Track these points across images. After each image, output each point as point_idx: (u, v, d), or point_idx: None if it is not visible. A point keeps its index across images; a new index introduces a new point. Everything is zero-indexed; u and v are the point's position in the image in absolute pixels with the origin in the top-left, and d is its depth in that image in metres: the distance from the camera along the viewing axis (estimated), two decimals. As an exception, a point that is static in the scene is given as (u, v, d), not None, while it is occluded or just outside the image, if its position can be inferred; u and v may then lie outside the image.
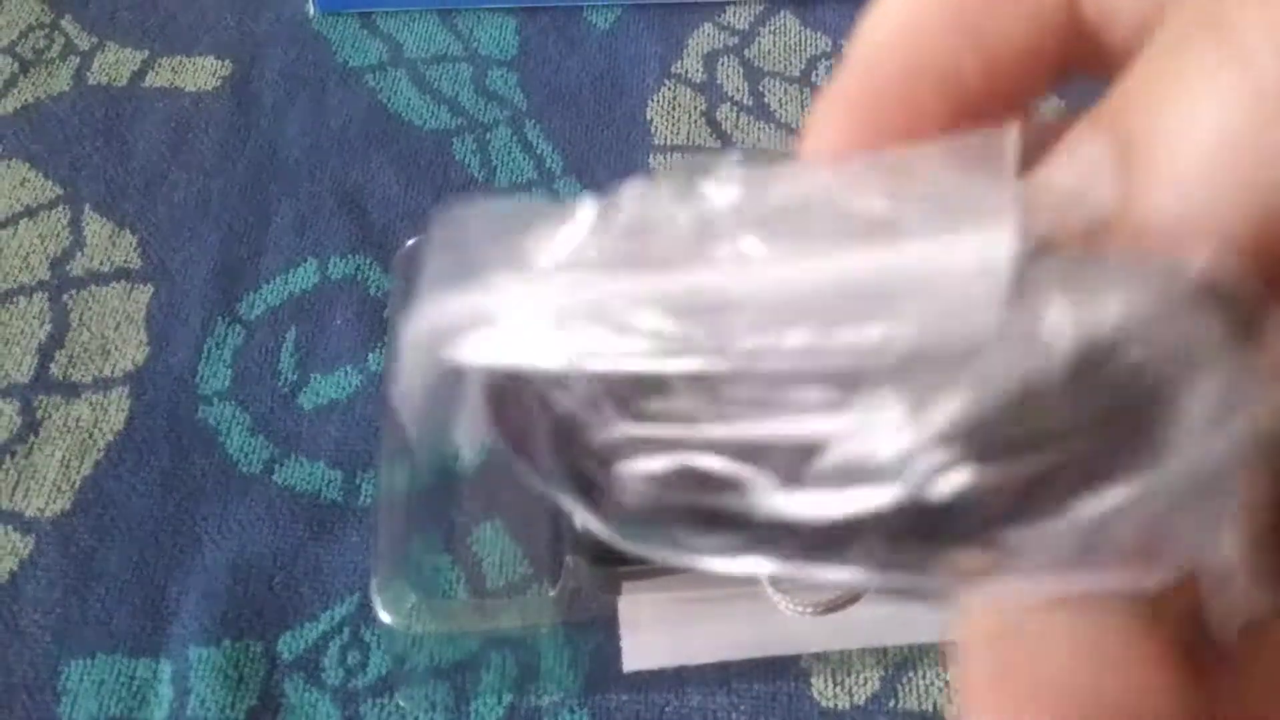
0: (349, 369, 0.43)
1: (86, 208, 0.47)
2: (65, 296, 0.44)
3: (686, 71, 0.51)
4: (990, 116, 0.14)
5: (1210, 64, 0.11)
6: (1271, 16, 0.10)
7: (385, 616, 0.34)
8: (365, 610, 0.37)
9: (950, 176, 0.12)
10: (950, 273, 0.11)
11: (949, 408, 0.10)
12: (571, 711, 0.36)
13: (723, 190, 0.13)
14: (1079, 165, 0.12)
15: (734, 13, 0.52)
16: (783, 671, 0.37)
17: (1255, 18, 0.10)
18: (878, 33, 0.15)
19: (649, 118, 0.49)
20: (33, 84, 0.50)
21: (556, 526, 0.39)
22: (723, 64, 0.51)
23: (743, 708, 0.36)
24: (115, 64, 0.51)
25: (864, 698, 0.36)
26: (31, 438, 0.41)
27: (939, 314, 0.11)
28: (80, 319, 0.44)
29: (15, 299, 0.44)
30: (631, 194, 0.13)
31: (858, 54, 0.15)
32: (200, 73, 0.51)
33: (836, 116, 0.15)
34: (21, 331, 0.44)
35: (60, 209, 0.47)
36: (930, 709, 0.36)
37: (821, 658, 0.37)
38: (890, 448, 0.11)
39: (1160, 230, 0.11)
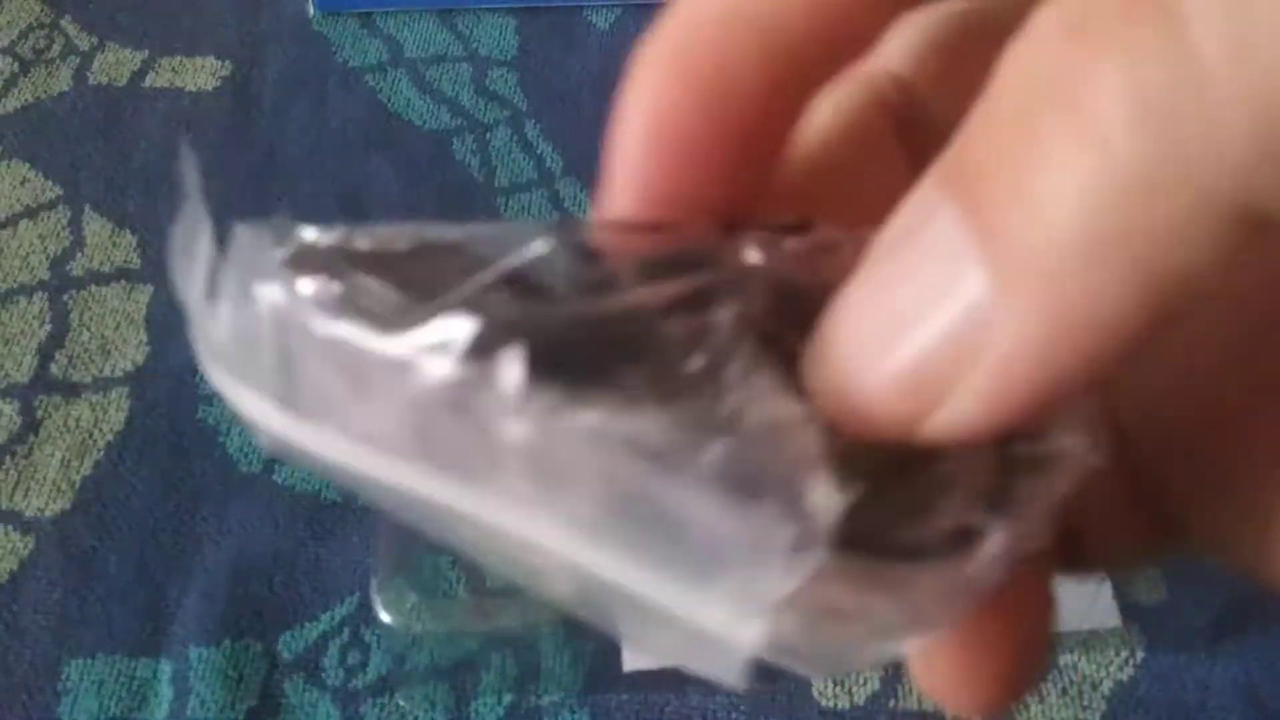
0: (349, 369, 0.42)
1: (86, 207, 0.47)
2: (65, 296, 0.44)
3: (686, 71, 0.50)
4: (818, 66, 0.13)
5: (1067, 145, 0.10)
6: (1124, 82, 0.09)
7: (385, 616, 0.34)
8: (365, 610, 0.37)
9: (724, 520, 0.10)
10: (702, 635, 0.11)
11: None
12: (572, 711, 0.36)
13: (514, 424, 0.10)
14: (939, 249, 0.10)
15: (734, 13, 0.52)
16: (783, 671, 0.37)
17: (1108, 85, 0.09)
18: None
19: (649, 118, 0.49)
20: (33, 84, 0.50)
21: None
22: (723, 64, 0.51)
23: (743, 708, 0.36)
24: (115, 64, 0.51)
25: (864, 697, 0.36)
26: (31, 438, 0.41)
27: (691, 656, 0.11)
28: (80, 319, 0.44)
29: (15, 299, 0.44)
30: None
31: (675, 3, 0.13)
32: (200, 73, 0.51)
33: (654, 79, 0.13)
34: (21, 331, 0.43)
35: (60, 209, 0.47)
36: (930, 709, 0.36)
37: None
38: None
39: (1031, 350, 0.10)
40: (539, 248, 0.11)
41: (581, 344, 0.11)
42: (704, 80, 0.13)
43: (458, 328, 0.10)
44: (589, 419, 0.10)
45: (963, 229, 0.10)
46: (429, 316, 0.10)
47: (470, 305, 0.11)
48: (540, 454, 0.10)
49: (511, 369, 0.10)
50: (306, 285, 0.11)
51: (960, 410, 0.11)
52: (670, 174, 0.13)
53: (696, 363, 0.11)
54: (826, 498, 0.10)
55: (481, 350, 0.10)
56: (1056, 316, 0.10)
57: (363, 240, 0.12)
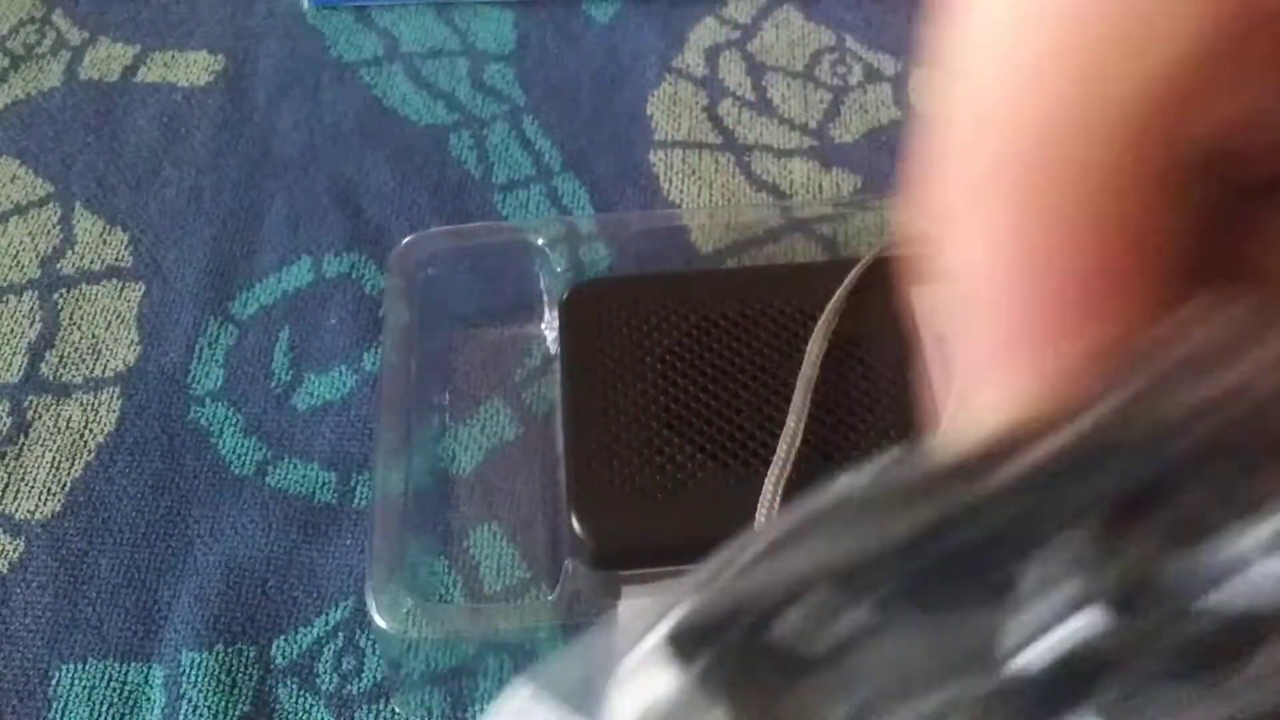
0: (343, 369, 0.42)
1: (77, 205, 0.46)
2: (56, 295, 0.44)
3: (687, 66, 0.50)
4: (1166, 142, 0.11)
5: None
6: None
7: (381, 621, 0.34)
8: (360, 614, 0.37)
9: None
10: None
11: None
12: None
13: None
14: None
15: (736, 6, 0.52)
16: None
17: None
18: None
19: (649, 113, 0.48)
20: (23, 79, 0.50)
21: (555, 529, 0.38)
22: (724, 58, 0.50)
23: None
24: (107, 59, 0.50)
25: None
26: (21, 439, 0.40)
27: None
28: (71, 318, 0.43)
29: (5, 298, 0.44)
30: None
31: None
32: (193, 68, 0.50)
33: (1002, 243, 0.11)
34: (11, 331, 0.43)
35: (51, 206, 0.46)
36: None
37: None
38: None
39: None
40: None
41: None
42: (1070, 207, 0.11)
43: None
44: None
45: None
46: None
47: None
48: None
49: None
50: None
51: None
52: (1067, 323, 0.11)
53: None
54: None
55: None
56: None
57: None
